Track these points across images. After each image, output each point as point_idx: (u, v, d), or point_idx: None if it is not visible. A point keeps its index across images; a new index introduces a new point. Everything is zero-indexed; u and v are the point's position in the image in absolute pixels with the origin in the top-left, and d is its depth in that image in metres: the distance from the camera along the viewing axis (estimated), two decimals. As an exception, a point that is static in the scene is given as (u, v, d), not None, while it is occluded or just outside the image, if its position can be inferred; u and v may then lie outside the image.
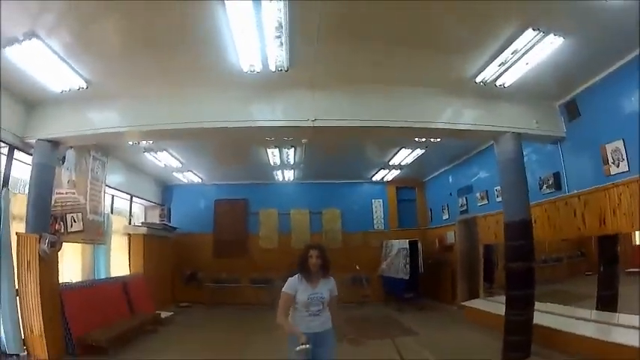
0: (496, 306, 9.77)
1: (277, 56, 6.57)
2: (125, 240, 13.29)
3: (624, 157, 7.12)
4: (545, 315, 8.18)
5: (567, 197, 8.47)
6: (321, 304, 4.90)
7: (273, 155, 12.32)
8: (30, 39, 6.00)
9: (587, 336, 7.04)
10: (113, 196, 13.10)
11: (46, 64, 6.69)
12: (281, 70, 6.90)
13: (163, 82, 7.74)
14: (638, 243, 8.08)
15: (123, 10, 5.64)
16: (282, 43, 6.19)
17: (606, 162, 7.44)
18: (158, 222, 15.54)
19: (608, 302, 7.68)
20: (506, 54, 6.62)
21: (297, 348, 4.45)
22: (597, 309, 7.81)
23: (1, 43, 6.07)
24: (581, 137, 8.25)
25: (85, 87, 7.46)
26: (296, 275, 5.01)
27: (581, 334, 7.17)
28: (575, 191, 8.27)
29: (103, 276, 11.21)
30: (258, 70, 6.92)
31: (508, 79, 7.40)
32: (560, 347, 7.46)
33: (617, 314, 7.41)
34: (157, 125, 8.13)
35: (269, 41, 6.12)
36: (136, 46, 6.57)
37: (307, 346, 4.44)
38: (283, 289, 4.93)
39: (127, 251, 13.30)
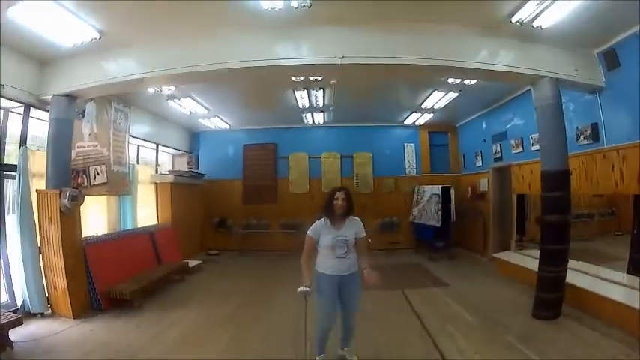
0: (527, 260, 9.63)
1: None
2: (153, 189, 13.29)
3: None
4: (577, 274, 7.89)
5: (605, 150, 8.03)
6: (345, 246, 5.04)
7: (301, 97, 11.96)
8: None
9: (619, 301, 6.71)
10: (138, 146, 13.04)
11: (54, 18, 6.51)
12: (304, 6, 6.56)
13: (180, 26, 7.44)
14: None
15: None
16: None
17: None
18: (186, 169, 15.47)
19: (639, 266, 7.34)
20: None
21: (299, 289, 4.88)
22: (628, 272, 7.47)
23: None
24: (621, 88, 7.73)
25: (98, 38, 7.28)
26: (322, 218, 5.22)
27: (614, 298, 6.84)
28: (614, 145, 7.81)
29: (129, 227, 11.24)
30: (280, 8, 6.58)
31: (546, 21, 6.93)
32: (590, 310, 7.20)
33: None
34: (176, 69, 7.82)
35: None
36: None
37: (307, 289, 4.88)
38: (307, 233, 5.20)
39: (155, 200, 13.30)
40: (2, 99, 7.62)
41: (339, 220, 5.17)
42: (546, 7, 6.51)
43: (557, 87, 7.68)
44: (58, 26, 6.77)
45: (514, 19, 6.98)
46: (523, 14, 6.81)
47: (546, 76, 7.69)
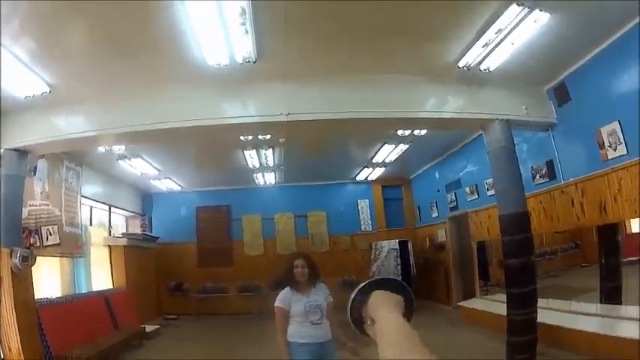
0: (494, 305, 9.48)
1: (244, 46, 6.09)
2: (107, 252, 12.82)
3: (621, 139, 6.67)
4: (548, 312, 7.69)
5: (563, 186, 7.99)
6: (319, 312, 4.63)
7: (250, 157, 11.86)
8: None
9: (595, 332, 6.61)
10: (91, 207, 12.71)
11: (5, 67, 6.20)
12: (249, 61, 6.41)
13: (129, 84, 7.29)
14: (634, 231, 7.54)
15: (83, 11, 5.28)
16: (247, 31, 5.70)
17: (602, 146, 6.97)
18: (139, 232, 15.12)
19: (612, 294, 7.27)
20: (490, 34, 6.10)
21: None
22: (602, 302, 7.38)
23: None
24: (574, 122, 7.78)
25: (48, 92, 7.00)
26: (287, 287, 4.81)
27: (589, 330, 6.74)
28: (572, 179, 7.77)
29: (84, 290, 10.78)
30: (226, 64, 6.45)
31: (492, 63, 6.90)
32: (567, 346, 7.03)
33: (623, 306, 6.98)
34: (124, 128, 7.58)
35: (233, 30, 5.65)
36: (98, 49, 6.19)
37: None
38: (276, 304, 4.74)
39: (109, 264, 12.82)
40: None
41: (305, 287, 4.77)
42: (492, 50, 6.50)
43: (508, 129, 7.63)
44: (9, 76, 6.49)
45: (461, 64, 6.95)
46: (469, 58, 6.78)
47: (497, 119, 7.62)
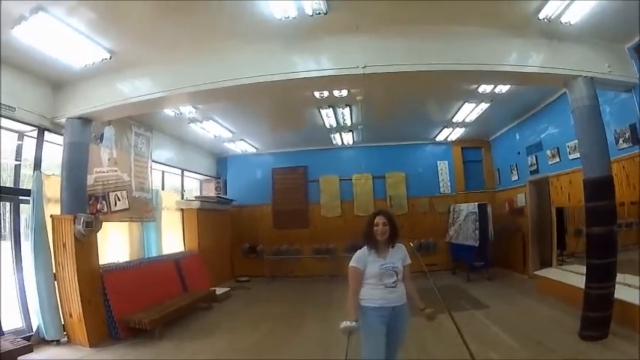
0: (570, 276, 9.08)
1: None
2: (179, 216, 13.12)
3: None
4: (623, 288, 7.23)
5: (648, 151, 7.48)
6: (395, 275, 4.50)
7: (327, 116, 11.78)
8: (37, 13, 5.79)
9: None
10: (163, 172, 13.02)
11: (63, 40, 6.48)
12: (319, 13, 6.28)
13: (193, 43, 7.29)
14: None
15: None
16: None
17: None
18: (213, 195, 15.38)
19: None
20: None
21: (342, 324, 4.18)
22: None
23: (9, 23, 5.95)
24: None
25: (108, 58, 7.18)
26: (364, 247, 4.64)
27: None
28: (658, 144, 7.26)
29: (154, 254, 11.08)
30: (294, 16, 6.32)
31: (573, 16, 6.59)
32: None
33: None
34: (192, 87, 7.60)
35: None
36: (158, 8, 6.16)
37: (354, 324, 4.20)
38: (351, 264, 4.57)
39: (181, 227, 13.14)
40: (15, 122, 7.66)
41: (383, 247, 4.59)
42: (572, 1, 6.19)
43: (592, 87, 7.22)
44: (68, 47, 6.71)
45: (541, 16, 6.64)
46: (550, 10, 6.48)
47: (580, 76, 7.24)
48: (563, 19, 6.66)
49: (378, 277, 4.44)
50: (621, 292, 7.00)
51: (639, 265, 7.21)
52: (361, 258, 4.53)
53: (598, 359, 5.95)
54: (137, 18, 6.29)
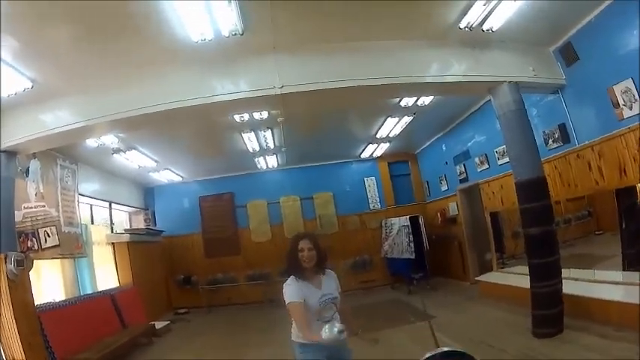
0: (513, 277, 9.27)
1: (228, 19, 5.78)
2: (110, 250, 12.61)
3: (637, 97, 6.41)
4: (571, 282, 7.35)
5: (579, 149, 7.71)
6: (334, 307, 3.98)
7: (249, 140, 11.56)
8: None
9: (623, 301, 6.32)
10: (91, 205, 12.50)
11: None
12: (235, 34, 6.09)
13: (114, 71, 6.96)
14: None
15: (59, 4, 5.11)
16: (229, 2, 5.39)
17: (617, 105, 6.72)
18: (143, 227, 14.93)
19: (634, 261, 6.91)
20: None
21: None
22: (624, 269, 7.04)
23: None
24: (584, 82, 7.48)
25: (30, 87, 6.77)
26: (290, 278, 4.00)
27: (617, 299, 6.48)
28: (587, 142, 7.48)
29: (89, 291, 10.58)
30: (210, 39, 6.14)
31: (495, 23, 6.65)
32: (594, 317, 6.72)
33: None
34: (113, 115, 7.23)
35: (215, 2, 5.37)
36: (77, 38, 5.91)
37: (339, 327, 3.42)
38: (290, 300, 3.83)
39: (114, 261, 12.63)
40: None
41: (312, 275, 4.05)
42: (494, 7, 6.21)
43: (517, 91, 7.34)
44: None
45: (462, 25, 6.67)
46: (471, 18, 6.49)
47: (504, 81, 7.33)
48: (485, 27, 6.70)
49: (317, 312, 3.92)
50: (571, 287, 7.13)
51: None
52: (298, 290, 3.88)
53: (552, 355, 6.04)
54: (59, 46, 6.04)
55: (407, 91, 8.42)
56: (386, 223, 14.78)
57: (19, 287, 7.18)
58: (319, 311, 3.89)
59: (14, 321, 6.90)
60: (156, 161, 12.81)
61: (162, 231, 15.32)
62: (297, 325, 3.87)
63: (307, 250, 3.98)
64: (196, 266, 15.54)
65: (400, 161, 16.51)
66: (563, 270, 6.96)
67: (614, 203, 7.33)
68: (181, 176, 15.46)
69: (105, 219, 13.40)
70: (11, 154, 7.77)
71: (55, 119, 7.44)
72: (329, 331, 3.40)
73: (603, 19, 6.80)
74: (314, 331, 3.68)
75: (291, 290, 3.87)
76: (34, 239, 8.78)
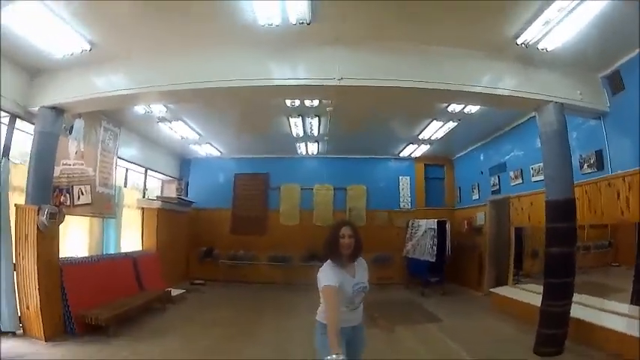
0: (526, 294, 9.33)
1: (298, 7, 6.01)
2: (139, 214, 12.99)
3: None
4: (579, 307, 7.48)
5: (611, 178, 7.77)
6: (363, 294, 4.13)
7: (295, 125, 11.82)
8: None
9: (624, 332, 6.47)
10: (127, 169, 12.83)
11: (46, 27, 6.38)
12: (302, 23, 6.33)
13: (174, 42, 7.26)
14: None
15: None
16: None
17: None
18: (175, 196, 15.25)
19: None
20: (552, 12, 5.96)
21: (328, 358, 3.41)
22: (632, 303, 7.14)
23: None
24: (627, 112, 7.49)
25: (88, 49, 7.09)
26: (326, 263, 4.09)
27: (619, 330, 6.60)
28: (620, 171, 7.55)
29: (112, 251, 10.91)
30: (277, 24, 6.36)
31: (551, 43, 6.77)
32: (594, 343, 6.89)
33: None
34: (167, 86, 7.54)
35: None
36: (145, 4, 6.13)
37: (341, 358, 3.41)
38: (326, 284, 3.85)
39: (140, 226, 13.00)
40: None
41: (348, 262, 4.11)
42: (553, 28, 6.33)
43: (562, 112, 7.47)
44: (49, 34, 6.60)
45: (519, 41, 6.81)
46: (529, 35, 6.64)
47: (551, 101, 7.47)
48: (540, 46, 6.84)
49: (348, 299, 4.02)
50: (578, 311, 7.25)
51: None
52: (335, 275, 3.93)
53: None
54: (122, 12, 6.22)
55: (457, 98, 8.57)
56: (413, 224, 14.83)
57: (47, 239, 7.58)
58: (352, 298, 4.01)
59: (36, 271, 7.30)
60: (199, 134, 13.07)
61: (192, 202, 15.67)
62: (328, 307, 3.87)
63: (348, 237, 4.04)
64: (220, 241, 15.82)
65: (437, 164, 16.59)
66: (575, 295, 7.07)
67: (634, 237, 7.41)
68: (220, 151, 15.67)
69: (137, 183, 13.71)
70: (59, 111, 8.12)
71: (108, 83, 7.74)
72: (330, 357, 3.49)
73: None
74: (341, 316, 3.86)
75: (329, 275, 3.92)
76: (67, 195, 9.10)
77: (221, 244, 15.73)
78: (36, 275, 7.35)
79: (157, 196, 14.15)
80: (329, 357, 3.44)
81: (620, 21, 6.17)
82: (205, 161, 16.45)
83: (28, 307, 7.42)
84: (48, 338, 7.33)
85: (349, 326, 4.07)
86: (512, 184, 11.51)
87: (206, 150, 15.14)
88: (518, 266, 11.16)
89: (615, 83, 7.74)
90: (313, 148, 14.66)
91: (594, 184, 8.17)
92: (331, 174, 16.30)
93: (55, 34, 6.60)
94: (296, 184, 16.34)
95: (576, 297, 7.23)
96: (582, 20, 6.08)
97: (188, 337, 8.16)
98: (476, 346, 7.52)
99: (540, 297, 7.20)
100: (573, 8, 5.82)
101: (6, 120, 7.95)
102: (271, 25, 6.38)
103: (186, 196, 16.07)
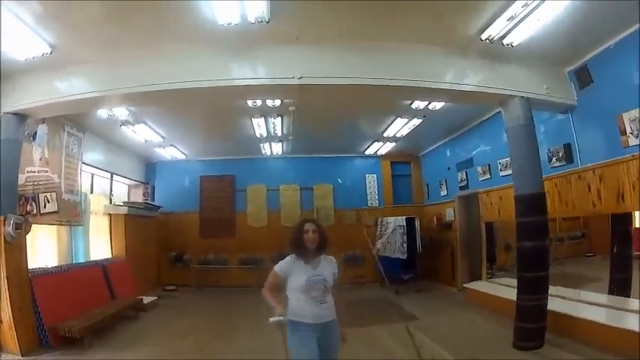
0: (501, 288, 9.42)
1: (257, 5, 5.88)
2: (106, 220, 12.69)
3: None
4: (557, 299, 7.56)
5: (580, 171, 7.80)
6: (323, 289, 4.27)
7: (258, 126, 11.65)
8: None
9: (605, 324, 6.46)
10: (93, 174, 12.55)
11: (6, 29, 6.13)
12: (262, 21, 6.18)
13: (135, 45, 7.06)
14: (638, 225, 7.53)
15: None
16: None
17: (624, 132, 6.80)
18: (141, 200, 15.04)
19: (621, 286, 7.13)
20: (517, 7, 5.90)
21: (271, 319, 4.24)
22: (610, 293, 7.26)
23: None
24: (595, 106, 7.58)
25: (49, 52, 6.87)
26: (289, 256, 4.45)
27: (600, 321, 6.57)
28: (590, 164, 7.59)
29: (81, 259, 10.66)
30: (236, 23, 6.20)
31: (516, 38, 6.73)
32: (575, 336, 6.82)
33: (631, 300, 6.87)
34: (129, 89, 7.36)
35: None
36: (102, 8, 5.97)
37: (281, 317, 4.21)
38: (274, 268, 4.42)
39: (109, 232, 12.70)
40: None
41: (312, 256, 4.37)
42: (518, 23, 6.28)
43: (528, 107, 7.47)
44: (9, 37, 6.38)
45: (484, 36, 6.75)
46: (493, 31, 6.58)
47: (517, 96, 7.47)
48: (506, 41, 6.79)
49: (304, 289, 4.22)
50: (556, 304, 7.31)
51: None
52: (285, 266, 4.39)
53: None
54: (83, 14, 6.05)
55: (421, 95, 8.59)
56: (382, 222, 14.81)
57: (15, 250, 7.36)
58: (306, 289, 4.20)
59: (6, 284, 7.08)
60: (163, 137, 12.88)
61: (159, 206, 15.40)
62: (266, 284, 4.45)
63: (312, 231, 4.37)
64: (189, 245, 15.58)
65: (403, 162, 16.62)
66: (550, 287, 7.06)
67: (608, 227, 7.51)
68: (185, 154, 15.45)
69: (103, 189, 13.46)
70: (22, 117, 7.89)
71: (70, 87, 7.53)
72: (272, 321, 4.27)
73: (622, 47, 6.85)
74: (299, 307, 4.24)
75: (281, 263, 4.43)
76: (33, 203, 8.83)
77: (191, 248, 15.52)
78: (6, 288, 7.13)
79: (123, 202, 13.91)
80: (271, 319, 4.25)
81: (586, 15, 6.17)
82: (171, 164, 16.19)
83: (1, 322, 7.21)
84: (24, 353, 7.19)
85: (319, 322, 4.20)
86: (481, 179, 11.54)
87: (171, 153, 14.92)
88: (492, 260, 11.26)
89: (583, 77, 7.78)
90: (278, 148, 14.51)
91: (564, 177, 8.22)
92: (297, 174, 16.18)
93: (16, 37, 6.42)
94: (262, 185, 16.18)
95: (554, 289, 7.29)
96: (548, 16, 6.05)
97: (163, 346, 8.04)
98: (453, 343, 7.45)
99: (515, 290, 7.19)
100: (538, 4, 5.78)
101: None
102: (230, 24, 6.23)
103: (153, 200, 15.83)
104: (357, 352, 6.71)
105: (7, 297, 7.11)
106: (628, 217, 7.13)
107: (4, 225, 7.17)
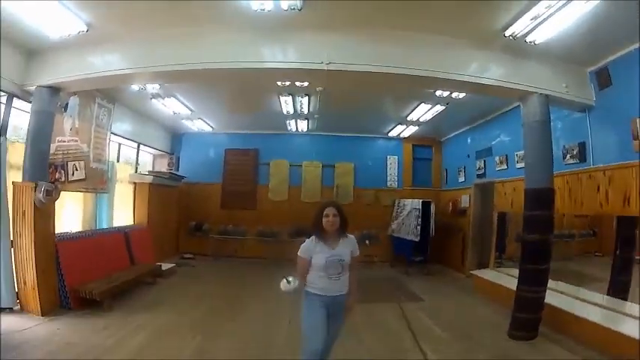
0: (506, 278, 9.50)
1: None
2: (131, 189, 13.07)
3: None
4: (556, 294, 7.76)
5: (592, 170, 7.95)
6: (340, 267, 4.65)
7: (286, 103, 11.85)
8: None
9: (598, 323, 6.56)
10: (120, 144, 12.84)
11: (43, 8, 6.42)
12: (294, 9, 6.37)
13: (169, 24, 7.28)
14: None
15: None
16: None
17: (636, 137, 6.87)
18: (166, 170, 15.36)
19: (620, 289, 7.25)
20: (541, 7, 6.02)
21: (283, 287, 4.72)
22: (609, 294, 7.39)
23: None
24: (612, 108, 7.67)
25: (85, 30, 7.12)
26: (312, 237, 4.77)
27: (593, 320, 6.68)
28: (601, 165, 7.73)
29: (105, 225, 11.01)
30: (269, 9, 6.39)
31: (539, 37, 6.83)
32: (569, 332, 7.01)
33: (628, 303, 6.95)
34: (161, 67, 7.65)
35: None
36: None
37: (291, 280, 4.71)
38: (298, 253, 4.75)
39: (132, 200, 13.09)
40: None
41: (332, 238, 4.70)
42: (541, 22, 6.38)
43: (546, 104, 7.56)
44: (47, 16, 6.65)
45: (507, 33, 6.84)
46: (517, 28, 6.67)
47: (536, 93, 7.56)
48: (529, 39, 6.90)
49: (322, 268, 4.57)
50: (555, 299, 7.50)
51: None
52: (307, 248, 4.68)
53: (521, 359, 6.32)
54: None
55: (443, 85, 8.71)
56: (399, 203, 14.96)
57: (44, 216, 7.70)
58: (325, 267, 4.58)
59: (33, 247, 7.42)
60: (191, 110, 13.09)
61: (183, 177, 15.71)
62: (296, 270, 4.78)
63: (332, 216, 4.65)
64: (210, 215, 15.95)
65: (425, 145, 16.67)
66: (552, 281, 7.28)
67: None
68: (212, 127, 15.66)
69: (127, 158, 13.71)
70: (55, 90, 8.17)
71: (103, 63, 7.81)
72: (285, 283, 4.74)
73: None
74: (312, 280, 4.70)
75: (303, 246, 4.75)
76: (62, 171, 9.14)
77: (211, 219, 15.84)
78: (33, 252, 7.46)
79: (148, 171, 14.18)
80: (284, 287, 4.73)
81: (610, 18, 6.23)
82: (196, 136, 16.42)
83: (25, 283, 7.54)
84: (44, 313, 7.45)
85: (330, 295, 4.64)
86: (498, 168, 11.67)
87: (198, 125, 15.11)
88: (501, 250, 11.32)
89: (603, 79, 7.83)
90: (303, 125, 14.66)
91: (575, 175, 8.34)
92: (320, 151, 16.38)
93: (53, 16, 6.64)
94: (285, 160, 16.41)
95: (554, 284, 7.51)
96: (572, 16, 6.12)
97: (179, 310, 8.35)
98: (452, 325, 7.77)
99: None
100: (562, 5, 5.87)
101: (3, 99, 7.99)
102: (263, 10, 6.40)
103: (177, 170, 16.11)
104: (357, 326, 7.22)
105: (34, 260, 7.45)
106: (635, 221, 7.14)
107: (35, 191, 7.49)
